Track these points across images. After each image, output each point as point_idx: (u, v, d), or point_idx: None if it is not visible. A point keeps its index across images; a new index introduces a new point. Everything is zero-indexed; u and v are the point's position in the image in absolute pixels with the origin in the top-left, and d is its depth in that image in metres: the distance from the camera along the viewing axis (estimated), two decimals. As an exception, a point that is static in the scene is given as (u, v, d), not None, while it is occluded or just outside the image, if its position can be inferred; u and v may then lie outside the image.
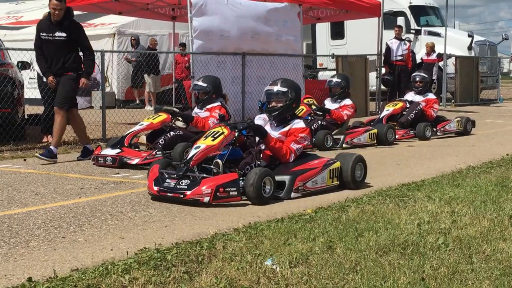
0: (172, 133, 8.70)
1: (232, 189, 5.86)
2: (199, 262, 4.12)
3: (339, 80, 11.29)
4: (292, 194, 6.25)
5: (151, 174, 6.27)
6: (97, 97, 18.07)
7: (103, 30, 20.19)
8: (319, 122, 10.76)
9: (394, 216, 5.33)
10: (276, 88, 6.80)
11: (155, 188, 6.06)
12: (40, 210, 5.73)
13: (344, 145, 10.54)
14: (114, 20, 20.17)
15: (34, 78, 14.76)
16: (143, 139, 8.67)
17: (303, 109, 10.70)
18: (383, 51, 17.60)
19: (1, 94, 10.07)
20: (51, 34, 8.77)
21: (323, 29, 23.85)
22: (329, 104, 11.31)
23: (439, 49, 19.86)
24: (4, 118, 10.24)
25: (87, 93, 19.08)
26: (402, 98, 12.88)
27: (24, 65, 12.27)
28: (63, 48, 8.80)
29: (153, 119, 8.77)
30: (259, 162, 6.47)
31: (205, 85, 9.10)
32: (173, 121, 8.85)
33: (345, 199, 6.15)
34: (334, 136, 10.55)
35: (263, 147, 6.62)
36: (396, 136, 11.41)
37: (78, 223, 5.27)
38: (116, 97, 19.82)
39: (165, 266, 4.02)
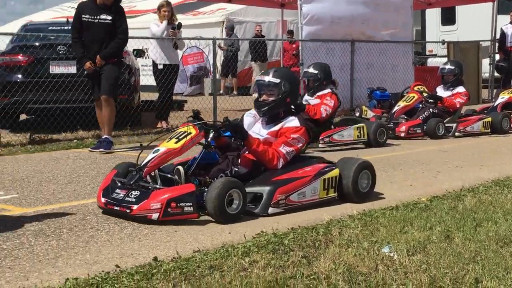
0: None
1: (186, 203, 4.77)
2: (316, 247, 4.17)
3: (452, 67, 11.03)
4: (270, 210, 5.13)
5: (103, 182, 5.29)
6: (208, 83, 18.54)
7: (213, 18, 20.55)
8: (431, 110, 10.58)
9: (514, 207, 5.20)
10: (267, 78, 5.67)
11: (103, 200, 5.07)
12: (160, 193, 5.94)
13: (456, 134, 10.35)
14: (223, 8, 20.49)
15: (145, 65, 15.30)
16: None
17: (414, 97, 10.56)
18: (497, 36, 17.00)
19: (119, 81, 10.45)
20: (94, 17, 8.40)
21: (433, 15, 23.29)
22: (441, 91, 11.08)
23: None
24: (122, 104, 10.66)
25: (198, 81, 19.59)
26: (518, 85, 12.46)
27: (139, 53, 12.67)
28: (106, 32, 8.43)
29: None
30: (236, 169, 5.36)
31: (315, 72, 9.16)
32: (283, 108, 8.92)
33: (461, 189, 6.05)
34: (446, 124, 10.36)
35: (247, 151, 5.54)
36: (512, 125, 11.06)
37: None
38: (226, 84, 20.16)
39: (283, 250, 4.11)
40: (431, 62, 21.75)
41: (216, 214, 4.83)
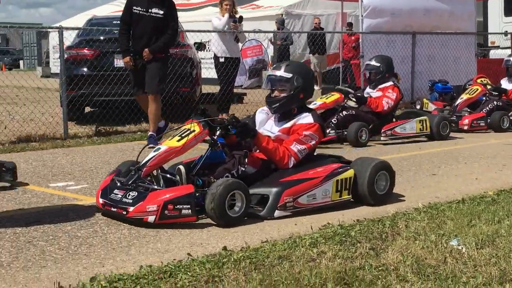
0: (344, 112, 8.82)
1: (184, 206, 4.53)
2: (382, 240, 4.20)
3: (518, 59, 10.84)
4: (277, 213, 4.83)
5: (103, 182, 5.10)
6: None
7: (271, 10, 20.59)
8: (495, 102, 10.42)
9: None
10: (279, 73, 5.34)
11: (101, 201, 4.85)
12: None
13: (522, 127, 10.19)
14: (281, 1, 20.51)
15: (204, 58, 15.45)
16: (316, 118, 8.82)
17: (477, 89, 10.42)
18: None
19: (182, 74, 10.60)
20: (146, 10, 8.26)
21: (495, 6, 22.80)
22: (505, 84, 10.90)
23: None
24: (184, 97, 10.83)
25: (256, 74, 19.67)
26: None
27: (200, 46, 12.81)
28: (157, 26, 8.26)
29: (326, 99, 8.93)
30: (243, 169, 5.03)
31: (378, 64, 9.13)
32: (345, 101, 8.96)
33: (528, 183, 5.97)
34: (511, 117, 10.18)
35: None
36: None
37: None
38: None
39: (350, 241, 4.14)
40: (494, 54, 21.31)
41: (216, 217, 4.57)
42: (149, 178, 4.85)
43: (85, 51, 10.76)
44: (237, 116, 5.16)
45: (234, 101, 13.18)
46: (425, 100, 11.60)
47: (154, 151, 4.90)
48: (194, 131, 4.95)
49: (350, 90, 9.10)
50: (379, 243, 4.11)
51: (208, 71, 13.10)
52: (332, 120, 8.70)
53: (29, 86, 11.94)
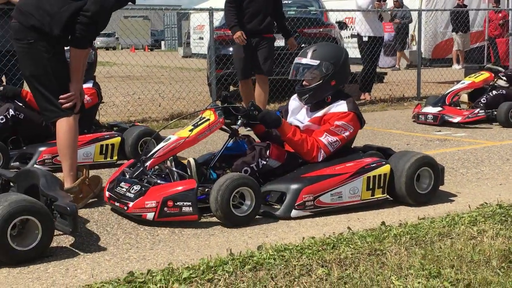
0: (494, 92, 8.60)
1: (185, 203, 4.11)
2: (546, 220, 4.13)
3: None
4: (294, 213, 4.34)
5: (114, 173, 4.81)
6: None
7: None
8: None
9: None
10: (305, 60, 4.75)
11: (107, 194, 4.54)
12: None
13: None
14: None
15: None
16: (464, 97, 8.68)
17: None
18: None
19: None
20: None
21: None
22: None
23: None
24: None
25: (393, 52, 19.36)
26: None
27: (341, 25, 12.83)
28: (270, 5, 7.93)
29: (475, 78, 8.73)
30: (264, 162, 4.51)
31: (531, 42, 8.82)
32: (495, 80, 8.73)
33: None
34: None
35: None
36: None
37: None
38: (423, 56, 19.77)
39: (511, 221, 4.10)
40: None
41: (220, 216, 4.15)
42: (167, 170, 4.53)
43: (231, 31, 11.02)
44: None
45: (375, 81, 13.13)
46: None
47: (164, 141, 4.56)
48: (208, 120, 4.56)
49: (500, 68, 8.86)
50: (543, 223, 4.05)
51: (352, 51, 13.08)
52: (482, 100, 8.53)
53: (173, 66, 12.48)
